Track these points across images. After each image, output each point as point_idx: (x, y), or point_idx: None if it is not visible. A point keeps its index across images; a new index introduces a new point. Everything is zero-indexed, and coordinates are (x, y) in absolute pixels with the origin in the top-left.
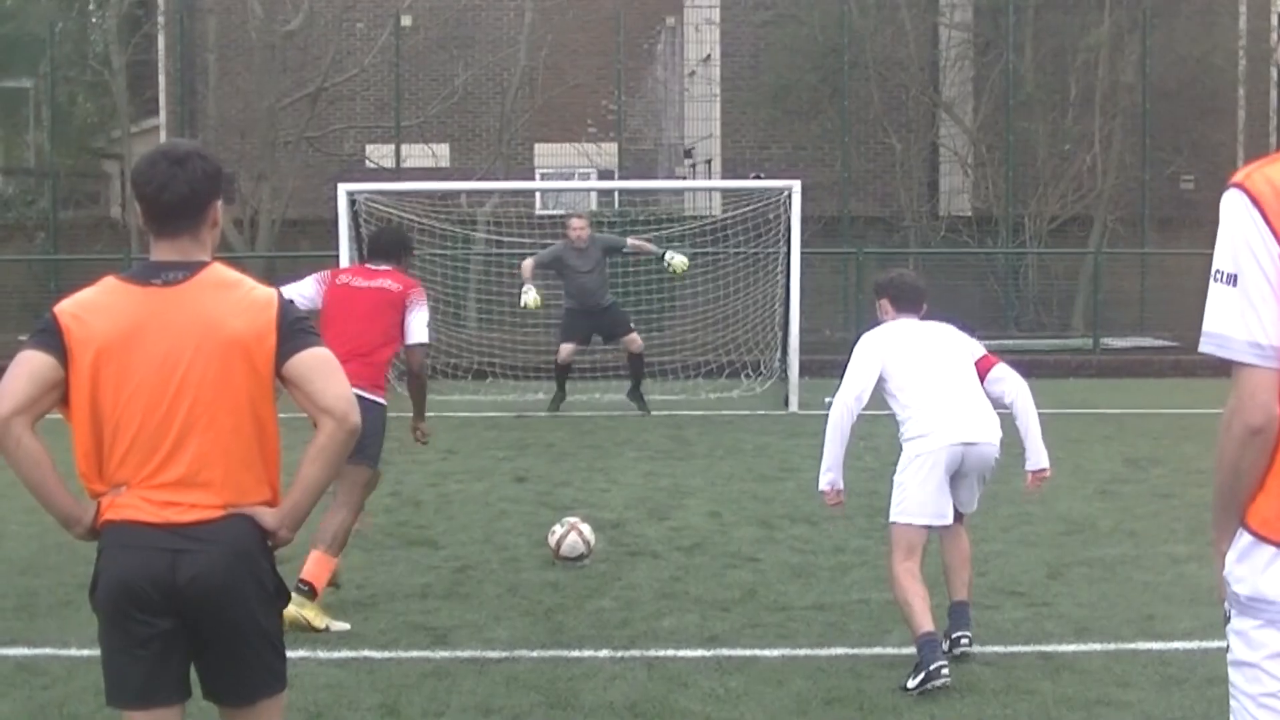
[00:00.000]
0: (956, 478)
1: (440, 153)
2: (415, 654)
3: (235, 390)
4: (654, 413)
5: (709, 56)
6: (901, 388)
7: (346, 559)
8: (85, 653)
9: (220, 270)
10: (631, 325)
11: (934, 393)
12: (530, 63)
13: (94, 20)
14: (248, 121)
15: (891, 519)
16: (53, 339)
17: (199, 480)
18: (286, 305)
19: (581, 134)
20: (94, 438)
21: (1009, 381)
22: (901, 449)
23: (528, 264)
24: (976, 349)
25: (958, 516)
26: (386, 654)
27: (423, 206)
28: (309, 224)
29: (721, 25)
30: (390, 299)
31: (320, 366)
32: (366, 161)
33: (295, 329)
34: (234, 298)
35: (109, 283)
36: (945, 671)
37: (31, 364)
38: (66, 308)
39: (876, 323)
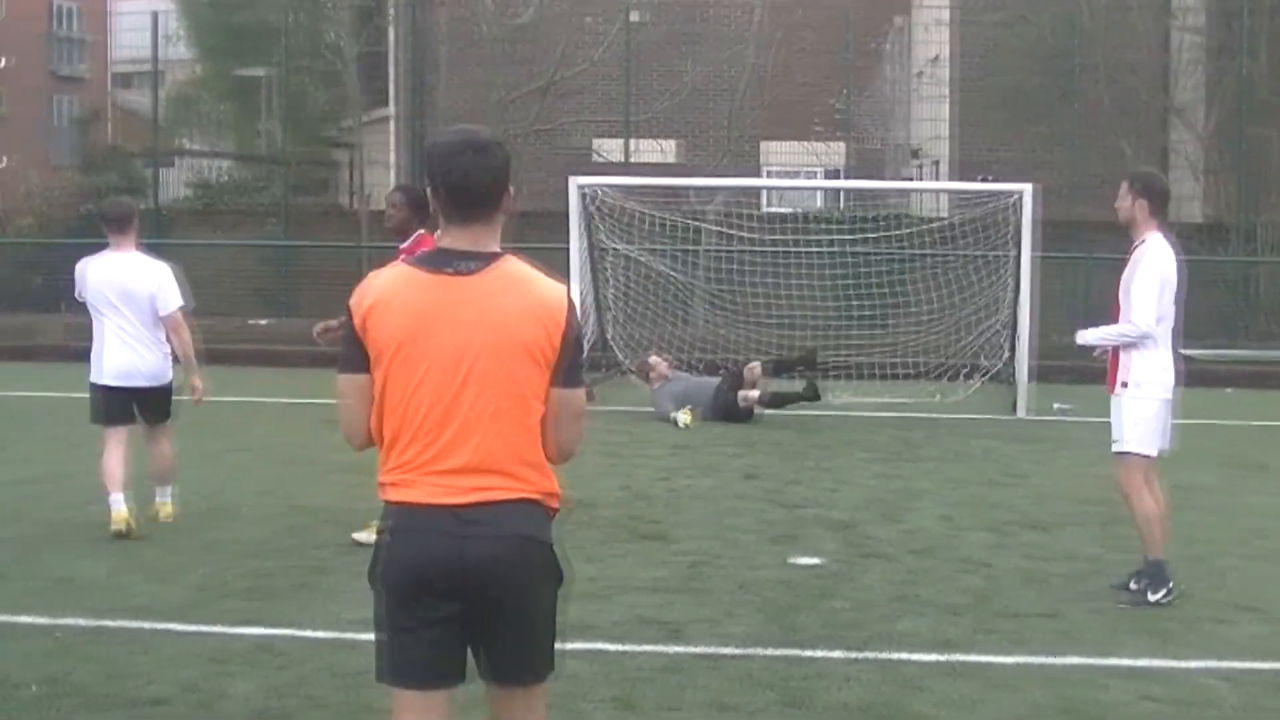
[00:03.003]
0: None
1: (668, 148)
2: (649, 648)
3: (520, 385)
4: (882, 414)
5: (938, 57)
6: (1161, 317)
7: (579, 550)
8: (322, 634)
9: (513, 265)
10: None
11: (1169, 331)
12: (759, 60)
13: (327, 11)
14: (477, 114)
15: (1132, 449)
16: (357, 351)
17: (485, 466)
18: (574, 323)
19: (809, 133)
20: (386, 423)
21: None
22: (1129, 384)
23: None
24: None
25: None
26: (620, 647)
27: (652, 201)
28: (538, 216)
29: (951, 26)
30: None
31: (576, 409)
32: (594, 155)
33: (574, 360)
34: (526, 300)
35: (401, 270)
36: None
37: (354, 387)
38: (362, 301)
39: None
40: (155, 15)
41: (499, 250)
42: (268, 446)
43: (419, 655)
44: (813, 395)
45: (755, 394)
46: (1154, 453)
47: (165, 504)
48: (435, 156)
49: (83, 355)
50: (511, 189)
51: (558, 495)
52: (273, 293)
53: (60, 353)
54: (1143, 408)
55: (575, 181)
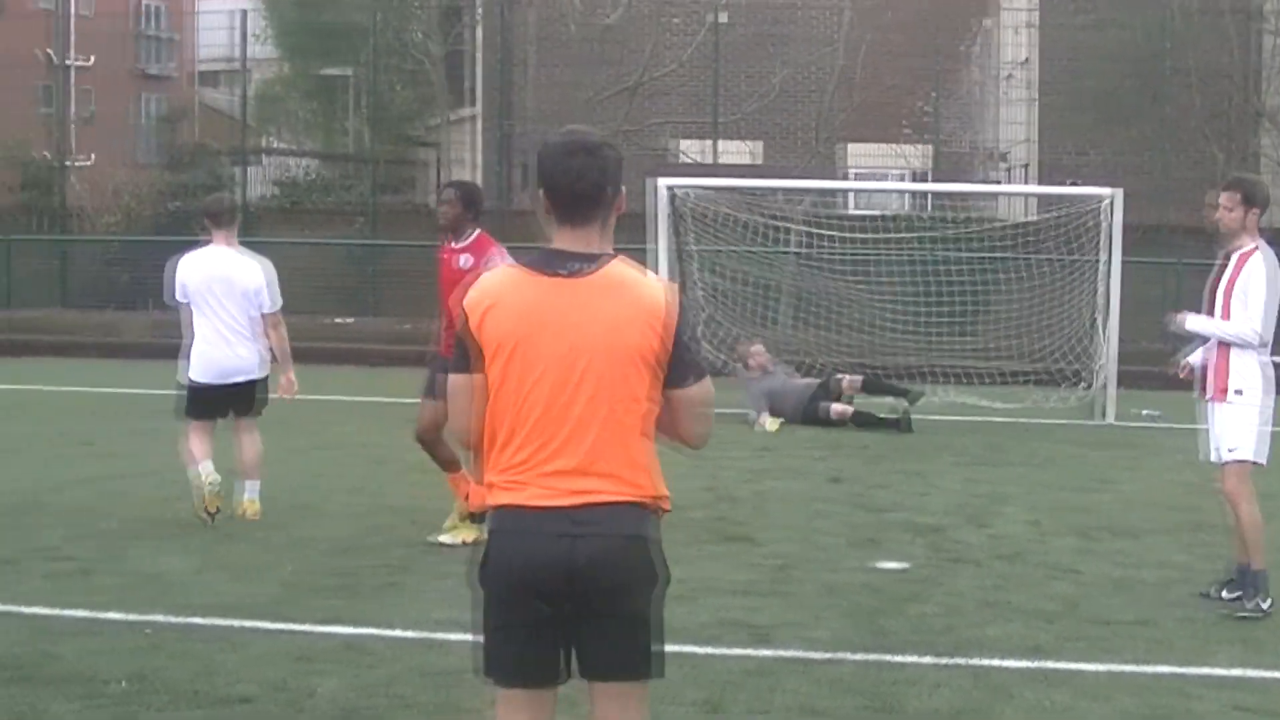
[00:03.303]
0: None
1: (754, 150)
2: (737, 651)
3: (632, 388)
4: (968, 418)
5: (1026, 59)
6: (1269, 326)
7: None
8: (409, 634)
9: (619, 267)
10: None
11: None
12: (847, 62)
13: (413, 9)
14: (564, 114)
15: (1248, 457)
16: (470, 351)
17: (596, 469)
18: (682, 322)
19: (895, 135)
20: (496, 423)
21: None
22: (1242, 391)
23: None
24: None
25: None
26: (708, 649)
27: (738, 202)
28: (622, 216)
29: (1039, 28)
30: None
31: (695, 407)
32: (680, 156)
33: (685, 358)
34: (631, 303)
35: (512, 271)
36: None
37: (465, 387)
38: (475, 303)
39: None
40: (243, 14)
41: (609, 251)
42: (352, 445)
43: (525, 654)
44: (906, 429)
45: (848, 410)
46: (1265, 460)
47: (252, 501)
48: (546, 158)
49: (167, 352)
50: (624, 190)
51: (666, 497)
52: (357, 291)
53: (145, 349)
54: (1254, 415)
55: (661, 183)
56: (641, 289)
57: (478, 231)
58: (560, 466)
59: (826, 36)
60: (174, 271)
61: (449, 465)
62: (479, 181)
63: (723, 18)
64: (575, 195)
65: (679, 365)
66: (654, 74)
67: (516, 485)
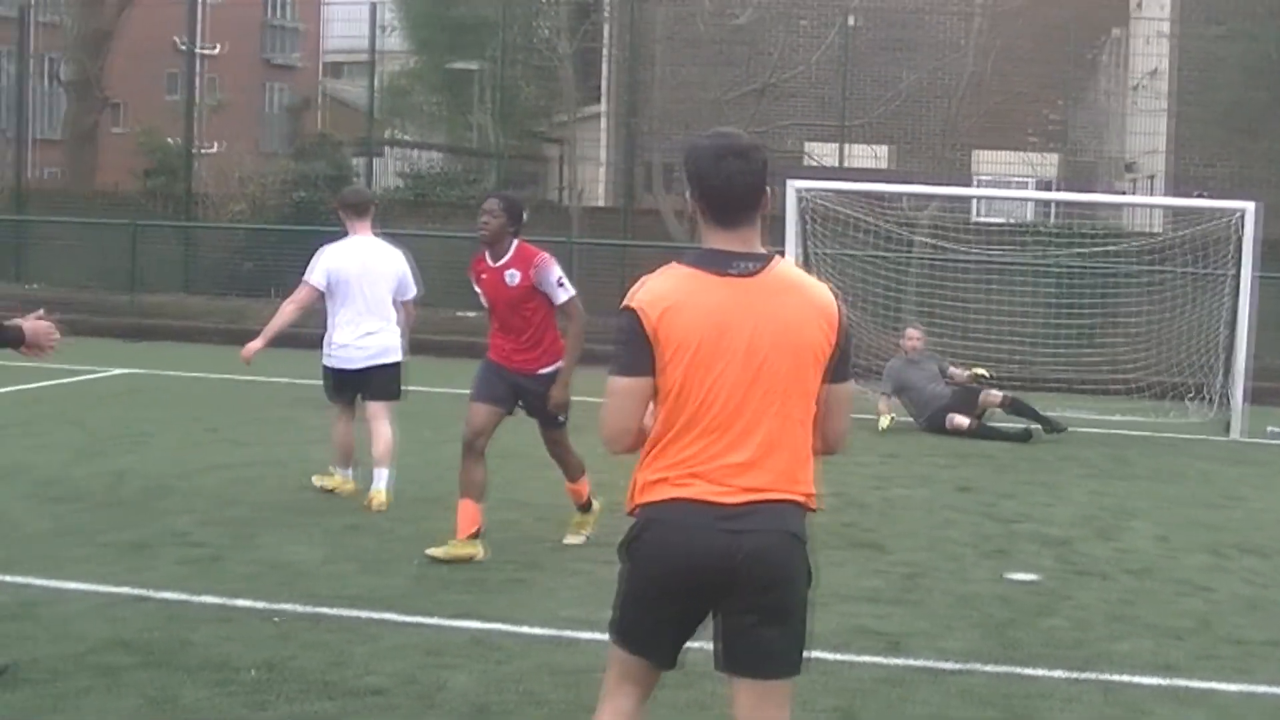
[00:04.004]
0: None
1: (879, 154)
2: (868, 659)
3: (803, 384)
4: (1094, 430)
5: (1155, 70)
6: None
7: None
8: (538, 631)
9: (785, 266)
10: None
11: None
12: (977, 68)
13: (543, 5)
14: (692, 113)
15: None
16: (644, 354)
17: (764, 465)
18: (845, 320)
19: (1022, 142)
20: (669, 420)
21: None
22: None
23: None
24: None
25: None
26: (839, 656)
27: (865, 207)
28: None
29: (1171, 38)
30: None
31: (846, 403)
32: (805, 159)
33: (846, 354)
34: (806, 302)
35: (682, 272)
36: None
37: (635, 390)
38: (652, 304)
39: None
40: (374, 6)
41: (766, 251)
42: None
43: (658, 633)
44: (1025, 439)
45: (966, 424)
46: None
47: (379, 492)
48: (697, 161)
49: (292, 340)
50: (770, 190)
51: (819, 496)
52: None
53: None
54: None
55: (793, 184)
56: (812, 288)
57: (516, 243)
58: (732, 461)
59: (955, 42)
60: (320, 259)
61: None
62: (605, 179)
63: (852, 20)
64: (730, 198)
65: (843, 361)
66: (783, 76)
67: (685, 481)
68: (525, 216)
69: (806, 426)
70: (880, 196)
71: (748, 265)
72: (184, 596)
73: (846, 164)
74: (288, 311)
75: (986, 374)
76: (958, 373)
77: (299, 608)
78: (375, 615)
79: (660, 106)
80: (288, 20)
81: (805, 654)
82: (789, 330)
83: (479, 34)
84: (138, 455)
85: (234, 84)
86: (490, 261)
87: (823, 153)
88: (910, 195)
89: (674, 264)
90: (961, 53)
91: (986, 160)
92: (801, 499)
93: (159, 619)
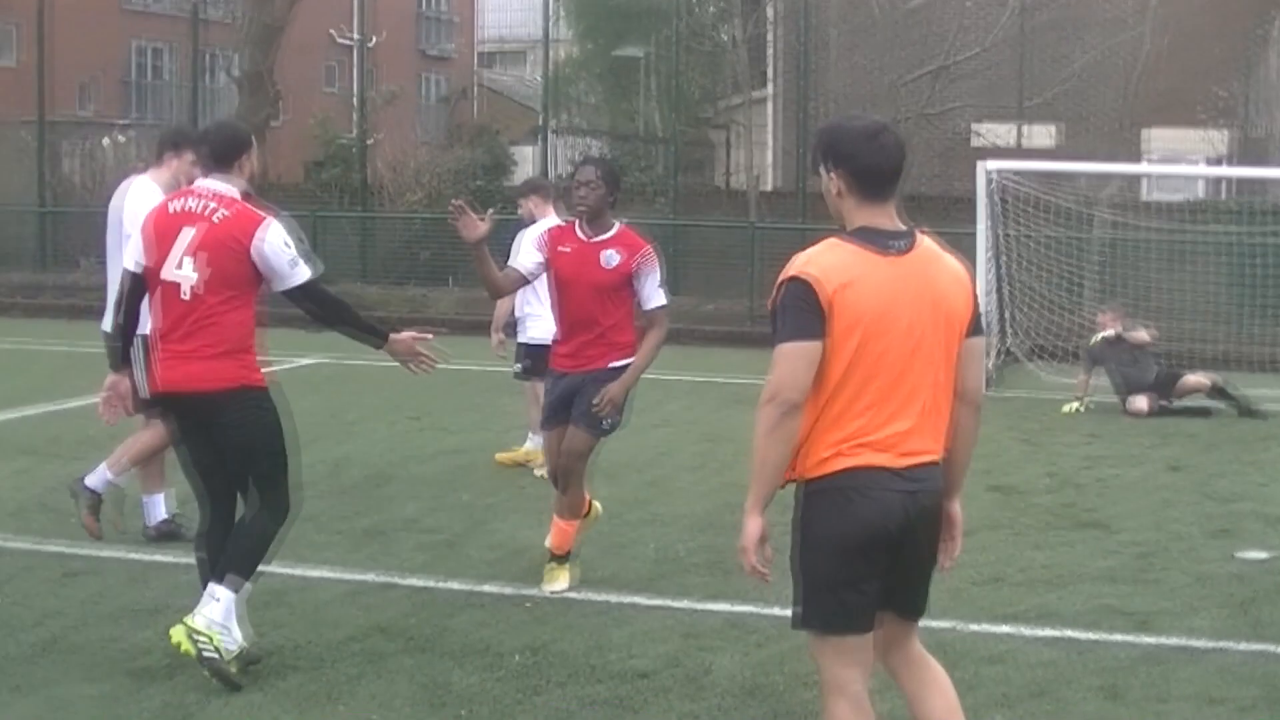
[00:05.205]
0: None
1: (1049, 133)
2: (1120, 637)
3: (951, 352)
4: None
5: None
6: None
7: (1024, 537)
8: (789, 612)
9: (928, 240)
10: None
11: None
12: (1152, 45)
13: None
14: (868, 97)
15: None
16: (816, 320)
17: (922, 430)
18: (973, 285)
19: (1191, 119)
20: (837, 392)
21: None
22: None
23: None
24: None
25: None
26: (1093, 635)
27: (1048, 186)
28: (929, 199)
29: None
30: None
31: (979, 354)
32: (974, 138)
33: (979, 312)
34: (948, 271)
35: (849, 249)
36: None
37: (810, 354)
38: (826, 277)
39: None
40: None
41: (912, 227)
42: (685, 422)
43: (865, 603)
44: (1204, 415)
45: (1145, 408)
46: None
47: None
48: (848, 141)
49: (475, 328)
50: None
51: None
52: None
53: (453, 325)
54: None
55: (984, 166)
56: (949, 260)
57: (619, 224)
58: (896, 429)
59: (1129, 19)
60: (519, 242)
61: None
62: (773, 164)
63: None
64: (885, 173)
65: (976, 318)
66: (959, 57)
67: (856, 450)
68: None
69: (950, 389)
70: (1058, 176)
71: (901, 243)
72: (430, 583)
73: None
74: (505, 303)
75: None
76: (1138, 335)
77: (545, 591)
78: (624, 599)
79: (836, 90)
80: (442, 12)
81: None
82: (941, 302)
83: (645, 20)
84: (351, 444)
85: (391, 75)
86: (582, 234)
87: (995, 133)
88: (1088, 174)
89: (834, 240)
90: (1133, 30)
91: (1157, 138)
92: (940, 458)
93: (410, 605)
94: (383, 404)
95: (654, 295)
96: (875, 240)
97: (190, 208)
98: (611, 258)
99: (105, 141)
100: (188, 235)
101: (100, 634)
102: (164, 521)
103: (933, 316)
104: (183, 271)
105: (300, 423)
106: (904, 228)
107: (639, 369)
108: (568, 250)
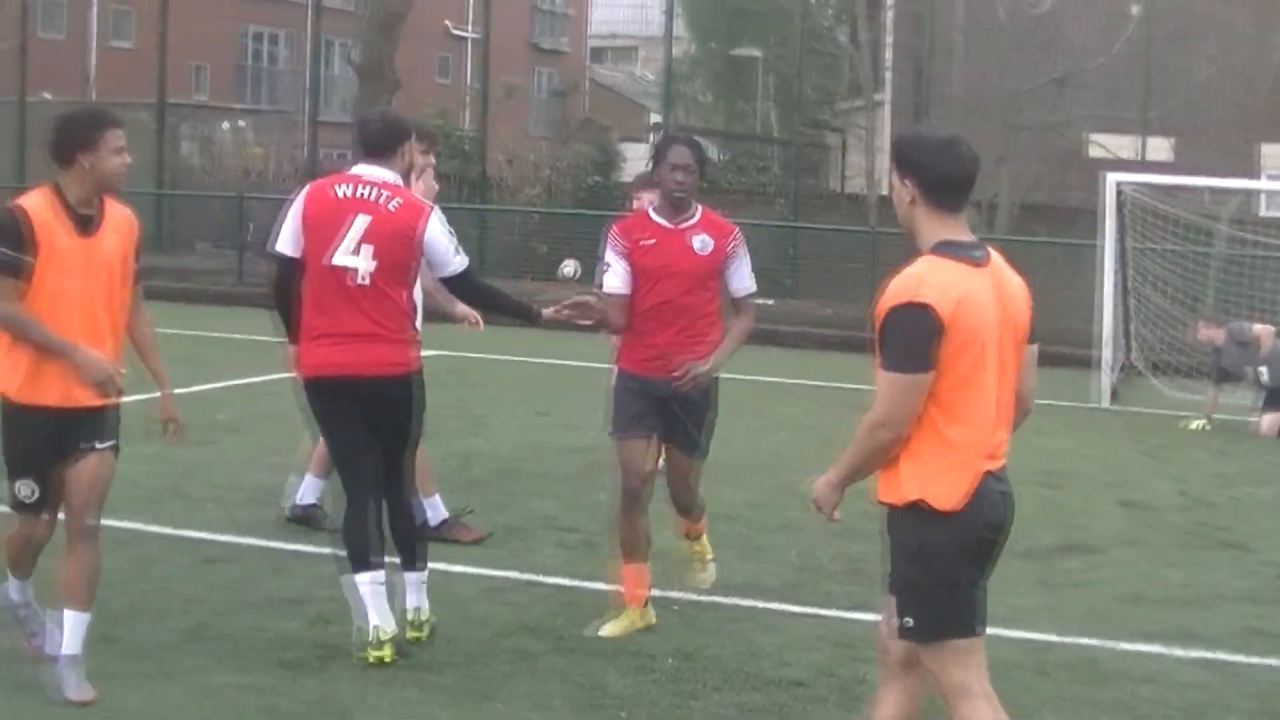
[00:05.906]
0: None
1: (1164, 147)
2: (1273, 661)
3: (1018, 359)
4: None
5: None
6: None
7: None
8: None
9: (994, 252)
10: None
11: None
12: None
13: None
14: (984, 102)
15: None
16: (932, 348)
17: (1003, 434)
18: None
19: None
20: (953, 409)
21: None
22: None
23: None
24: None
25: None
26: (1243, 658)
27: (1170, 200)
28: (1044, 209)
29: None
30: None
31: (1034, 361)
32: (1093, 149)
33: (1033, 320)
34: (1014, 280)
35: (949, 264)
36: None
37: (923, 386)
38: (944, 298)
39: None
40: None
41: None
42: (801, 427)
43: (981, 601)
44: None
45: (1264, 428)
46: None
47: None
48: (927, 151)
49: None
50: None
51: None
52: (776, 274)
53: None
54: None
55: (1112, 178)
56: (1009, 268)
57: (700, 207)
58: (1000, 436)
59: (1250, 31)
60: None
61: None
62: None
63: (1136, 10)
64: (959, 183)
65: (1032, 328)
66: (1084, 66)
67: (972, 462)
68: None
69: (1014, 393)
70: (1180, 189)
71: (981, 255)
72: (573, 582)
73: (1135, 156)
74: None
75: None
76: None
77: (693, 596)
78: (770, 605)
79: (958, 96)
80: (556, 6)
81: None
82: (1016, 313)
83: (762, 21)
84: (479, 438)
85: (504, 69)
86: (664, 221)
87: (1112, 144)
88: (1210, 189)
89: (931, 257)
90: (1262, 43)
91: (1272, 153)
92: None
93: (555, 604)
94: (509, 399)
95: (748, 282)
96: (965, 253)
97: (363, 194)
98: (706, 243)
99: (225, 125)
100: (363, 223)
101: (246, 623)
102: (311, 506)
103: (1015, 328)
104: (359, 258)
105: (429, 417)
106: (977, 240)
107: (728, 352)
108: (652, 242)
